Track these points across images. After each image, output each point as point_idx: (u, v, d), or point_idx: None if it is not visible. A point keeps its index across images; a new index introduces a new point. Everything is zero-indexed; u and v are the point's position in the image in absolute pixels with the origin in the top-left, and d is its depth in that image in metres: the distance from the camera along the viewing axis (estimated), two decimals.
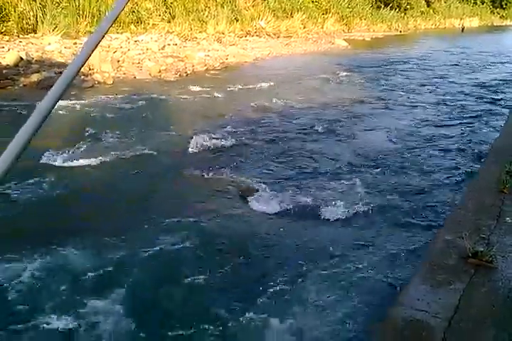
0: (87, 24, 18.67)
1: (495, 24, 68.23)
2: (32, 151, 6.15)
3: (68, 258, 4.01)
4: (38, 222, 4.75)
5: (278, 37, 26.72)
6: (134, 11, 21.18)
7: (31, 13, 17.04)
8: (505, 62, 20.91)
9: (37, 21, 17.02)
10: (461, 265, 3.08)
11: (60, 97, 0.79)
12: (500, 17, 72.63)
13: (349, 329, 3.33)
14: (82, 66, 0.85)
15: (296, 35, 28.13)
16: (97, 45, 0.88)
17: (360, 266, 4.09)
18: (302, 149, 7.49)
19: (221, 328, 3.30)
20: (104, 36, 0.91)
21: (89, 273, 3.82)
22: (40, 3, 17.57)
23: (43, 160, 6.22)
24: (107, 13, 0.96)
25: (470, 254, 3.09)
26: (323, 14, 34.46)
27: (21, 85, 10.86)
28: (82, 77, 11.92)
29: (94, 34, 0.89)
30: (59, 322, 3.28)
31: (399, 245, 4.48)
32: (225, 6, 26.18)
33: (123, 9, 0.98)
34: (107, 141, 7.33)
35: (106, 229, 4.61)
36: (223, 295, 3.69)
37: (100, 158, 6.51)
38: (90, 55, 0.86)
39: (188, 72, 14.51)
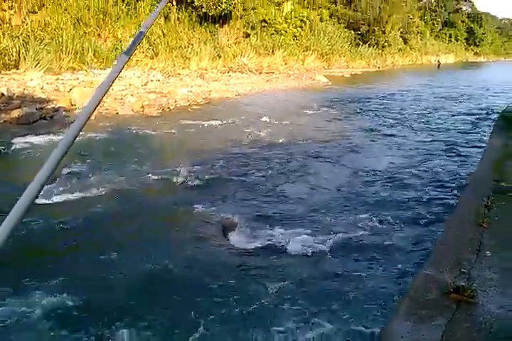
0: (69, 60, 18.88)
1: (469, 60, 71.02)
2: (11, 186, 6.06)
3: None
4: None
5: (260, 73, 27.27)
6: (117, 48, 21.51)
7: (14, 50, 17.19)
8: (482, 95, 21.72)
9: (19, 57, 17.15)
10: (443, 300, 3.05)
11: (77, 136, 0.89)
12: (474, 53, 75.85)
13: None
14: (97, 107, 0.95)
15: (277, 71, 28.77)
16: (111, 85, 0.97)
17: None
18: (281, 185, 7.50)
19: None
20: (119, 74, 0.99)
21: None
22: (23, 40, 17.77)
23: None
24: (120, 54, 1.01)
25: (451, 289, 3.06)
26: (303, 51, 35.50)
27: (1, 121, 10.80)
28: (64, 112, 11.93)
29: (110, 73, 0.96)
30: None
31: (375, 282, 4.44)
32: (208, 43, 26.77)
33: (135, 50, 1.02)
34: (88, 177, 7.24)
35: (79, 268, 4.49)
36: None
37: (79, 194, 6.42)
38: (105, 94, 0.96)
39: (171, 108, 14.64)
